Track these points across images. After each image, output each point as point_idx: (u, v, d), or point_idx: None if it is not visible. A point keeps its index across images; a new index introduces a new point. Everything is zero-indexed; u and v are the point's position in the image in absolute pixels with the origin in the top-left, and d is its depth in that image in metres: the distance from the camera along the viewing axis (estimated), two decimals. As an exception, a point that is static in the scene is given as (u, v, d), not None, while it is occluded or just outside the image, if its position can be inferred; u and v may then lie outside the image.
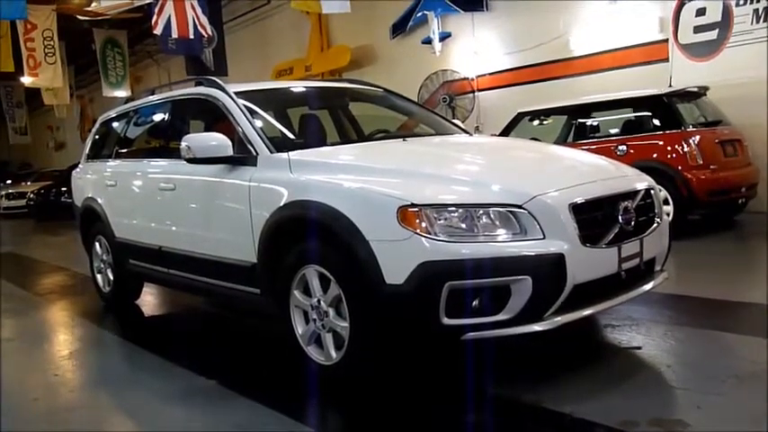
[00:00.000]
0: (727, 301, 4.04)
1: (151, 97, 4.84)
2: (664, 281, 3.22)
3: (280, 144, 3.44)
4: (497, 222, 2.60)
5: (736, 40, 7.58)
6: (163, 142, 4.56)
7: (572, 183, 2.86)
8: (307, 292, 3.01)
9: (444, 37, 10.83)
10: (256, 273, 3.28)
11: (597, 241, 2.76)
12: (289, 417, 2.69)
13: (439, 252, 2.52)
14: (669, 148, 6.40)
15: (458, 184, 2.84)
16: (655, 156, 6.44)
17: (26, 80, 14.62)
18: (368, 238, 2.65)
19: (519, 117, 7.84)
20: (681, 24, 8.09)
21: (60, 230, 12.33)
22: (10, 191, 19.84)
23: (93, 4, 11.47)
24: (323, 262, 2.89)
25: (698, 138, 6.35)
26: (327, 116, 4.52)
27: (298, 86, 4.74)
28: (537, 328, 2.60)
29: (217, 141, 3.40)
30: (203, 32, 10.56)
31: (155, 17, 10.04)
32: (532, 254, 2.56)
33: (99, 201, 5.07)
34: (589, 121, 7.31)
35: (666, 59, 8.17)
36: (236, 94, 3.76)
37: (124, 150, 5.12)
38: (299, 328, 3.08)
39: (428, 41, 10.85)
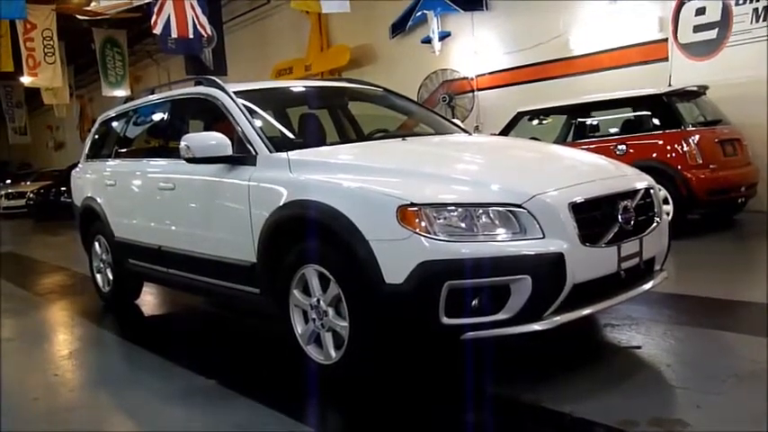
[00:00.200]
0: (727, 300, 4.04)
1: (150, 97, 4.84)
2: (663, 280, 3.22)
3: (279, 144, 3.44)
4: (497, 222, 2.60)
5: (736, 40, 7.57)
6: (162, 142, 4.56)
7: (571, 182, 2.86)
8: (306, 291, 3.01)
9: (444, 36, 10.83)
10: (256, 272, 3.28)
11: (597, 240, 2.76)
12: (289, 416, 2.69)
13: (438, 251, 2.52)
14: (669, 148, 6.40)
15: (457, 183, 2.84)
16: (654, 155, 6.44)
17: (26, 80, 14.61)
18: (367, 237, 2.65)
19: (518, 116, 7.84)
20: (680, 24, 8.08)
21: (60, 230, 12.32)
22: (9, 190, 19.83)
23: (93, 4, 11.45)
24: (322, 261, 2.89)
25: (697, 137, 6.35)
26: (327, 116, 4.52)
27: (297, 86, 4.75)
28: (536, 327, 2.60)
29: (216, 141, 3.40)
30: (203, 32, 10.55)
31: (154, 17, 10.03)
32: (532, 253, 2.56)
33: (98, 200, 5.07)
34: (589, 121, 7.32)
35: (666, 59, 8.17)
36: (235, 93, 3.75)
37: (124, 150, 5.12)
38: (299, 328, 3.08)
39: (428, 41, 10.85)
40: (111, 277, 5.04)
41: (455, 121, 4.71)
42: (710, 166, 6.31)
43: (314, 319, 2.97)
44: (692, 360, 3.06)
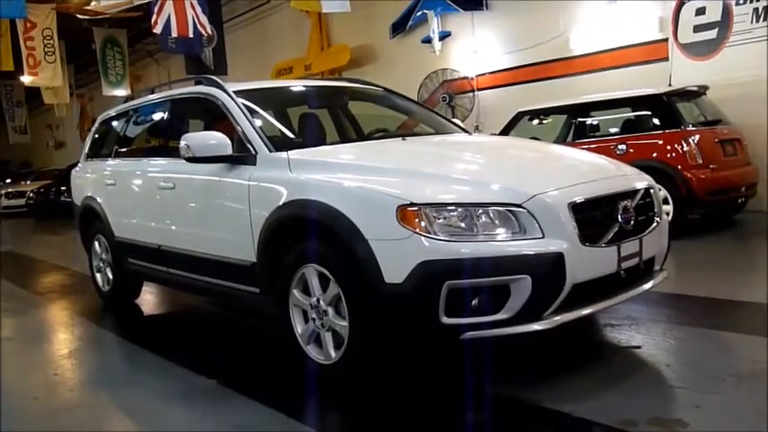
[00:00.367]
0: (727, 300, 4.04)
1: (151, 96, 4.85)
2: (663, 280, 3.21)
3: (279, 143, 3.44)
4: (497, 221, 2.60)
5: (736, 40, 7.57)
6: (162, 141, 4.56)
7: (571, 182, 2.86)
8: (306, 291, 3.01)
9: (444, 36, 10.83)
10: (256, 272, 3.28)
11: (597, 240, 2.76)
12: (289, 416, 2.69)
13: (438, 251, 2.52)
14: (669, 148, 6.39)
15: (457, 183, 2.84)
16: (654, 155, 6.44)
17: (26, 79, 14.60)
18: (367, 237, 2.65)
19: (519, 116, 7.83)
20: (680, 23, 8.08)
21: (60, 229, 12.32)
22: (10, 190, 19.83)
23: (93, 3, 11.45)
24: (322, 261, 2.89)
25: (697, 137, 6.34)
26: (327, 115, 4.52)
27: (297, 85, 4.74)
28: (536, 327, 2.60)
29: (216, 140, 3.40)
30: (203, 31, 10.55)
31: (154, 16, 10.03)
32: (532, 253, 2.56)
33: (98, 200, 5.07)
34: (589, 121, 7.31)
35: (666, 59, 8.16)
36: (235, 93, 3.76)
37: (124, 149, 5.12)
38: (299, 328, 3.08)
39: (428, 40, 10.85)
40: (110, 277, 5.04)
41: (455, 120, 4.71)
42: (710, 166, 6.31)
43: (314, 319, 2.97)
44: (691, 360, 3.06)
